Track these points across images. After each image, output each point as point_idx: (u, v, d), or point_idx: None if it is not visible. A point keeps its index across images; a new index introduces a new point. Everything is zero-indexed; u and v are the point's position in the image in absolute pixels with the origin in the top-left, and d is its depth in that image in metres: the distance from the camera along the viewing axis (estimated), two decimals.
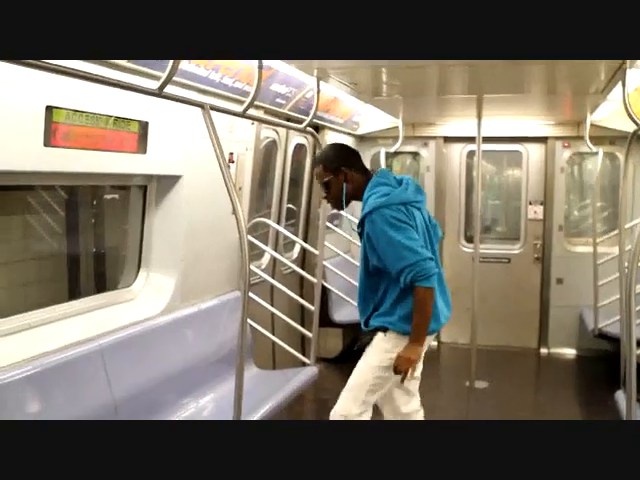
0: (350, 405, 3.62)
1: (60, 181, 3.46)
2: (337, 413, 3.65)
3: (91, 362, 3.34)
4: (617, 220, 7.50)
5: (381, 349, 3.60)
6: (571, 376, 7.09)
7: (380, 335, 3.62)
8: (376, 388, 3.65)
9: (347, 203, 3.75)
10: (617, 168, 7.63)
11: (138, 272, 4.14)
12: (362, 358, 3.74)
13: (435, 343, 7.58)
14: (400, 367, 3.45)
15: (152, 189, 4.10)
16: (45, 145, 2.97)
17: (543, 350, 7.72)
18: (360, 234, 3.61)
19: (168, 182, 4.11)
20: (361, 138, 7.96)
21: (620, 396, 4.36)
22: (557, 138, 7.63)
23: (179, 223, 4.20)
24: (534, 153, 7.83)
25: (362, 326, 3.80)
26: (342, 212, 7.20)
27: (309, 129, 4.58)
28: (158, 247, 4.16)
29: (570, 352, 7.62)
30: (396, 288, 3.49)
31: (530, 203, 7.81)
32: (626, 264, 4.81)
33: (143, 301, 4.07)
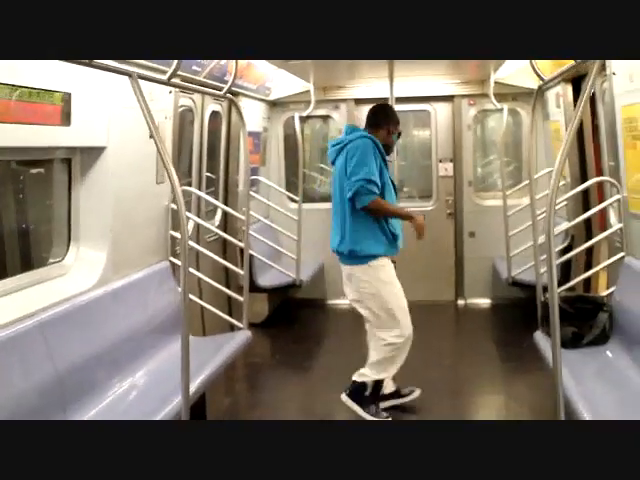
0: None
1: None
2: None
3: (31, 338, 3.30)
4: (521, 174, 7.91)
5: None
6: (488, 323, 7.47)
7: None
8: None
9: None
10: (519, 124, 7.99)
11: (68, 247, 4.08)
12: None
13: None
14: None
15: (76, 162, 4.03)
16: None
17: (460, 302, 8.06)
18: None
19: (93, 154, 4.05)
20: (273, 104, 7.99)
21: (539, 336, 4.64)
22: (463, 96, 7.90)
23: (106, 195, 4.15)
24: (441, 112, 8.07)
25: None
26: (260, 177, 7.28)
27: (229, 95, 4.59)
28: (86, 220, 4.10)
29: (485, 302, 7.98)
30: None
31: (440, 161, 8.06)
32: (538, 212, 5.09)
33: (75, 275, 4.02)
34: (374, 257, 4.56)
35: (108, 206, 4.16)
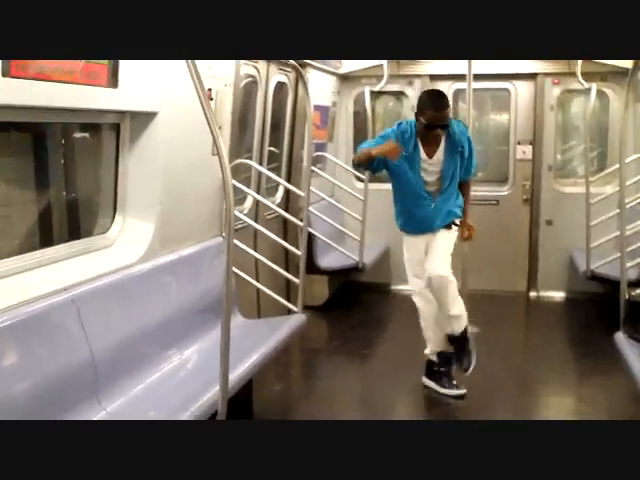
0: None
1: (22, 117, 3.13)
2: (444, 274, 4.52)
3: (66, 314, 3.09)
4: (605, 161, 7.40)
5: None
6: (562, 318, 7.01)
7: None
8: None
9: None
10: (605, 107, 7.44)
11: (114, 217, 3.87)
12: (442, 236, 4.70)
13: None
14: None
15: (125, 127, 3.80)
16: (4, 75, 2.67)
17: (532, 293, 7.61)
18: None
19: (143, 119, 3.82)
20: (344, 77, 7.66)
21: (620, 338, 4.23)
22: (547, 74, 7.38)
23: (156, 164, 3.92)
24: (522, 91, 7.58)
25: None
26: (327, 154, 6.98)
27: (294, 63, 4.30)
28: (134, 190, 3.88)
29: (559, 295, 7.50)
30: None
31: (519, 143, 7.58)
32: (628, 199, 4.65)
33: (120, 248, 3.81)
34: None
35: (158, 176, 3.94)
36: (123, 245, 3.83)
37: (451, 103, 7.55)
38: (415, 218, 4.71)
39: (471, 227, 4.93)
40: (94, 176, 3.92)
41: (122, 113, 3.73)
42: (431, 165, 4.62)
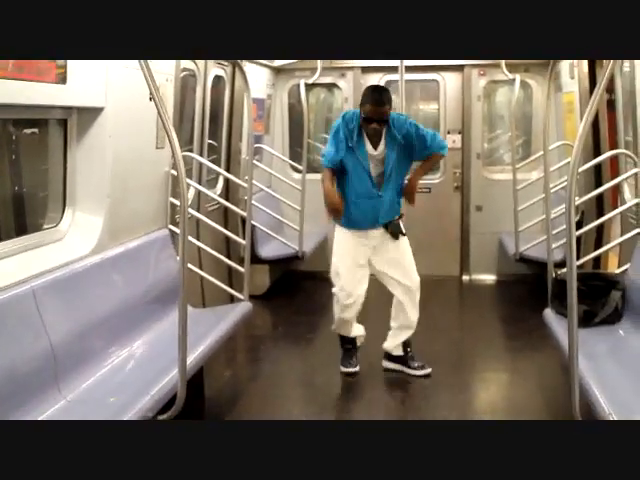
0: None
1: None
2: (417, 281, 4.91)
3: (25, 305, 3.17)
4: (529, 148, 7.74)
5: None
6: (494, 299, 7.34)
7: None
8: None
9: None
10: (529, 97, 7.79)
11: (64, 211, 3.93)
12: (400, 246, 4.90)
13: None
14: None
15: (73, 123, 3.86)
16: None
17: (465, 277, 7.91)
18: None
19: (90, 115, 3.88)
20: (278, 70, 7.78)
21: (549, 314, 4.51)
22: (473, 66, 7.67)
23: (103, 158, 3.98)
24: (451, 82, 7.85)
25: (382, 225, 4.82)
26: (264, 146, 7.10)
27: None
28: (83, 184, 3.94)
29: (490, 277, 7.82)
30: None
31: (448, 132, 7.85)
32: (552, 184, 4.93)
33: (71, 241, 3.87)
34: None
35: (105, 170, 4.00)
36: (74, 238, 3.89)
37: None
38: (362, 210, 4.75)
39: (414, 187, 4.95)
40: (42, 170, 3.96)
41: (70, 109, 3.79)
42: (377, 156, 4.72)
